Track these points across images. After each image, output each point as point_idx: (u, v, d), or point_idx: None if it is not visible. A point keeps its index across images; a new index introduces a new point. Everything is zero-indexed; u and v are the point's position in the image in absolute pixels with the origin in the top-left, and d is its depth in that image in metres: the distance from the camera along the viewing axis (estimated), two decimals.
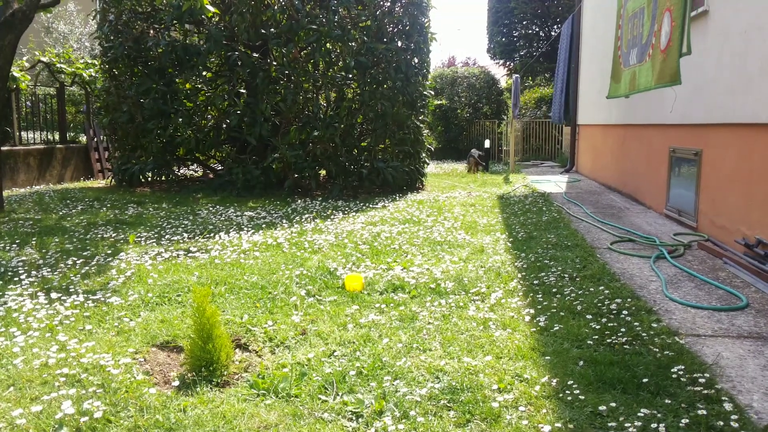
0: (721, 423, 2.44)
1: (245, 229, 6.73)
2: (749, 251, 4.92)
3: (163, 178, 11.15)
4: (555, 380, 2.85)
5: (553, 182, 11.86)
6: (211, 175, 12.09)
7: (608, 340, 3.33)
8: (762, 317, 3.73)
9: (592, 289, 4.28)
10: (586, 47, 13.08)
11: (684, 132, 6.90)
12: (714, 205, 6.01)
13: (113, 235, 6.39)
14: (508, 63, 23.53)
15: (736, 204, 5.50)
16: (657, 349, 3.19)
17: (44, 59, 12.72)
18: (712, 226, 5.99)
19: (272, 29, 10.00)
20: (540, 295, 4.19)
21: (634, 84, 7.22)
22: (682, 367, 2.94)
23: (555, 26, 21.70)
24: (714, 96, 5.95)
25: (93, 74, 13.09)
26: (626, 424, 2.44)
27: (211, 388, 2.83)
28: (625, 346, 3.25)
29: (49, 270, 4.88)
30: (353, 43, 9.87)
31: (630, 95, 7.88)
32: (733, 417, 2.47)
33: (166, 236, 6.32)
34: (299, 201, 9.08)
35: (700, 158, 6.36)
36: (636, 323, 3.58)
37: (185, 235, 6.40)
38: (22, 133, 12.17)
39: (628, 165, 9.44)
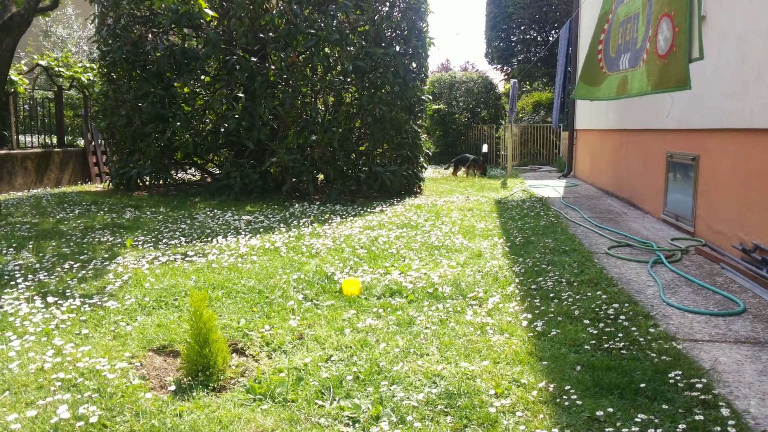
0: (719, 428, 2.44)
1: (243, 233, 6.72)
2: (746, 256, 4.93)
3: (161, 182, 11.13)
4: (552, 385, 2.84)
5: (550, 187, 11.88)
6: (209, 179, 12.08)
7: (606, 345, 3.33)
8: (759, 322, 3.73)
9: (589, 294, 4.28)
10: (583, 52, 13.11)
11: (681, 137, 6.92)
12: (711, 210, 6.02)
13: (110, 239, 6.38)
14: (506, 68, 23.58)
15: (734, 209, 5.51)
16: (654, 354, 3.18)
17: (42, 63, 12.73)
18: (709, 231, 6.00)
19: (271, 33, 10.02)
20: (537, 300, 4.19)
21: (625, 88, 7.22)
22: (680, 372, 2.94)
23: (553, 31, 21.77)
24: (711, 101, 5.97)
25: (91, 78, 13.10)
26: (623, 430, 2.44)
27: (207, 392, 2.82)
28: (622, 351, 3.24)
29: (46, 274, 4.87)
30: (351, 48, 9.89)
31: (613, 99, 7.89)
32: (730, 422, 2.47)
33: (164, 240, 6.31)
34: (297, 205, 9.07)
35: (697, 163, 6.37)
36: (633, 328, 3.58)
37: (183, 239, 6.39)
38: (20, 136, 12.17)
39: (626, 170, 9.46)
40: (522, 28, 22.57)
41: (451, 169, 15.35)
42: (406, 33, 10.33)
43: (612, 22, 7.99)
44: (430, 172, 15.14)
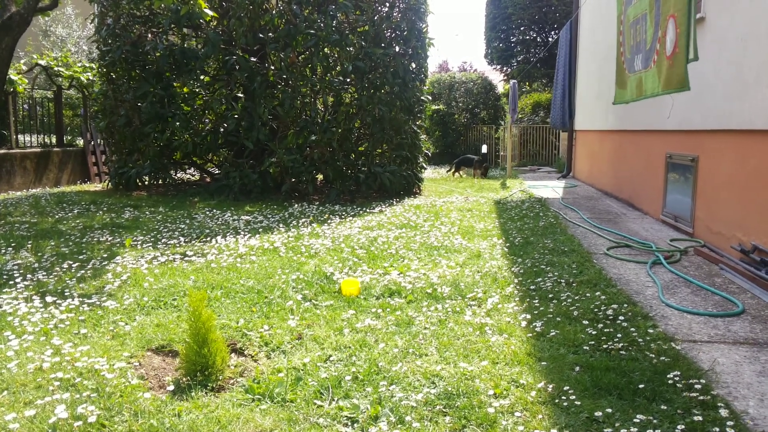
0: (717, 429, 2.44)
1: (242, 233, 6.72)
2: (745, 257, 4.93)
3: (160, 182, 11.12)
4: (551, 386, 2.84)
5: (550, 187, 11.88)
6: (208, 179, 12.08)
7: (604, 346, 3.33)
8: (758, 323, 3.74)
9: (588, 295, 4.28)
10: (584, 53, 13.13)
11: (681, 138, 6.92)
12: (710, 211, 6.02)
13: (109, 238, 6.37)
14: (505, 68, 23.59)
15: (732, 210, 5.51)
16: (653, 355, 3.19)
17: (42, 62, 12.72)
18: (708, 232, 6.00)
19: (270, 34, 10.02)
20: (536, 301, 4.19)
21: (641, 90, 7.22)
22: (678, 373, 2.94)
23: (552, 32, 21.79)
24: (710, 102, 5.97)
25: (90, 78, 13.10)
26: (622, 430, 2.44)
27: (206, 392, 2.82)
28: (621, 352, 3.25)
29: (45, 273, 4.87)
30: (351, 48, 9.89)
31: (636, 101, 7.89)
32: (729, 423, 2.47)
33: (163, 240, 6.30)
34: (296, 205, 9.07)
35: (696, 164, 6.38)
36: (632, 329, 3.58)
37: (182, 239, 6.38)
38: (19, 136, 12.16)
39: (625, 171, 9.46)
40: (521, 28, 22.60)
41: (452, 171, 15.15)
42: (405, 33, 10.33)
43: (624, 23, 8.00)
44: (429, 173, 15.14)
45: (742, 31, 5.34)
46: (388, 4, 10.47)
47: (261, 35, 10.00)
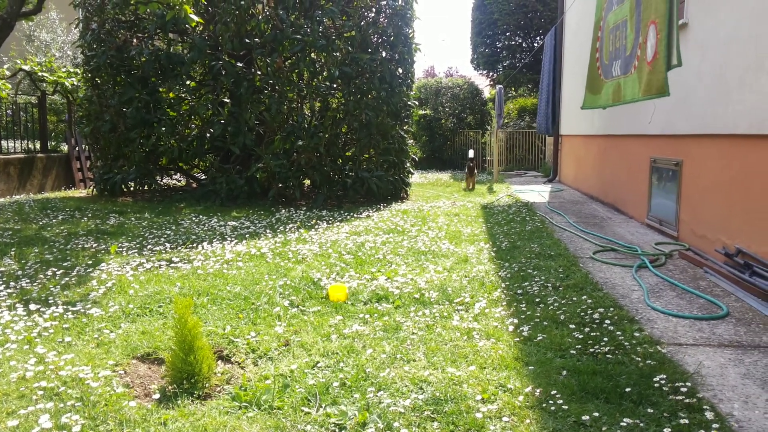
0: None
1: (228, 239, 6.68)
2: (729, 260, 4.98)
3: (146, 188, 11.04)
4: (538, 390, 2.85)
5: (536, 192, 11.94)
6: (194, 185, 12.00)
7: (591, 350, 3.35)
8: (742, 326, 3.77)
9: (575, 299, 4.30)
10: (568, 58, 13.23)
11: (665, 142, 6.99)
12: (695, 215, 6.08)
13: (94, 245, 6.31)
14: (491, 74, 23.71)
15: (716, 214, 5.57)
16: (639, 359, 3.21)
17: (26, 67, 12.60)
18: (692, 236, 6.06)
19: (257, 39, 10.00)
20: (523, 305, 4.21)
21: (619, 95, 7.27)
22: (664, 376, 2.96)
23: (538, 37, 21.94)
24: (694, 107, 6.04)
25: (75, 83, 12.99)
26: None
27: (192, 400, 2.79)
28: (607, 356, 3.26)
29: (28, 281, 4.81)
30: (338, 53, 9.90)
31: (610, 107, 7.94)
32: (715, 426, 2.49)
33: (148, 246, 6.25)
34: (283, 211, 9.04)
35: (680, 168, 6.44)
36: (618, 332, 3.60)
37: (167, 245, 6.34)
38: (2, 141, 12.01)
39: (610, 175, 9.54)
40: (507, 34, 22.70)
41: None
42: (392, 39, 10.36)
43: (603, 29, 8.05)
44: (416, 178, 15.16)
45: (725, 35, 5.41)
46: (374, 10, 10.48)
47: (247, 40, 9.97)
